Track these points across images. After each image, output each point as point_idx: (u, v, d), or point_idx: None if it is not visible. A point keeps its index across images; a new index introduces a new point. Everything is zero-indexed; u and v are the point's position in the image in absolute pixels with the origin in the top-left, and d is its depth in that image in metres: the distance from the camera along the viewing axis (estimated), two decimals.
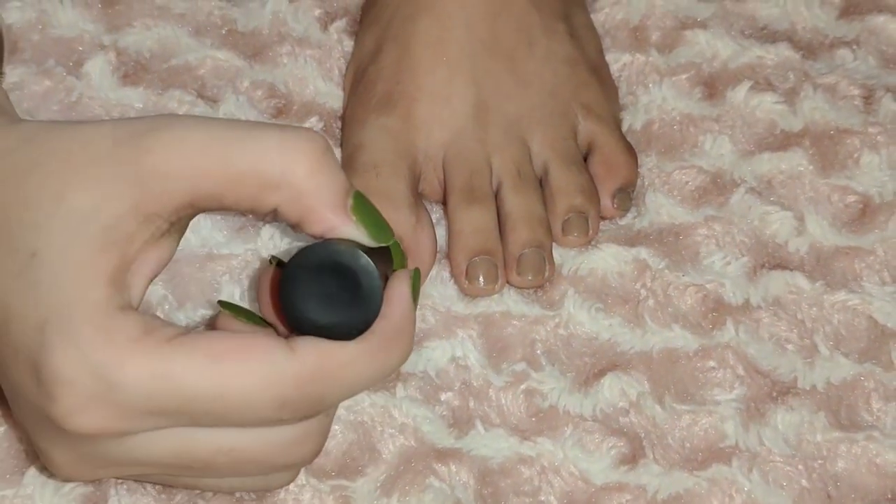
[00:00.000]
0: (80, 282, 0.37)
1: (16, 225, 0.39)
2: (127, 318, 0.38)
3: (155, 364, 0.37)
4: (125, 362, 0.37)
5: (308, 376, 0.38)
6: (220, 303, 0.42)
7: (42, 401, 0.38)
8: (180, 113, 0.56)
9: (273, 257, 0.43)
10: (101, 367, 0.37)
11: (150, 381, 0.37)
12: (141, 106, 0.56)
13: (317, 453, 0.42)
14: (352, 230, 0.40)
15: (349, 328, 0.39)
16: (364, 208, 0.40)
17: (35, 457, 0.45)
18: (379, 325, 0.39)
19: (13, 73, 0.57)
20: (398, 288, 0.40)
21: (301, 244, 0.40)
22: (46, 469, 0.44)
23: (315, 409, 0.39)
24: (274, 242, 0.52)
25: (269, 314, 0.43)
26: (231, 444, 0.40)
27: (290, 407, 0.38)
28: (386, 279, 0.41)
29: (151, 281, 0.40)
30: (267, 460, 0.40)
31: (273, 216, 0.40)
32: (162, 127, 0.39)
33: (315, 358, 0.38)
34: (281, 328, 0.42)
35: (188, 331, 0.39)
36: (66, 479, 0.44)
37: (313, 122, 0.56)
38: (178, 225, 0.40)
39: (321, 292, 0.39)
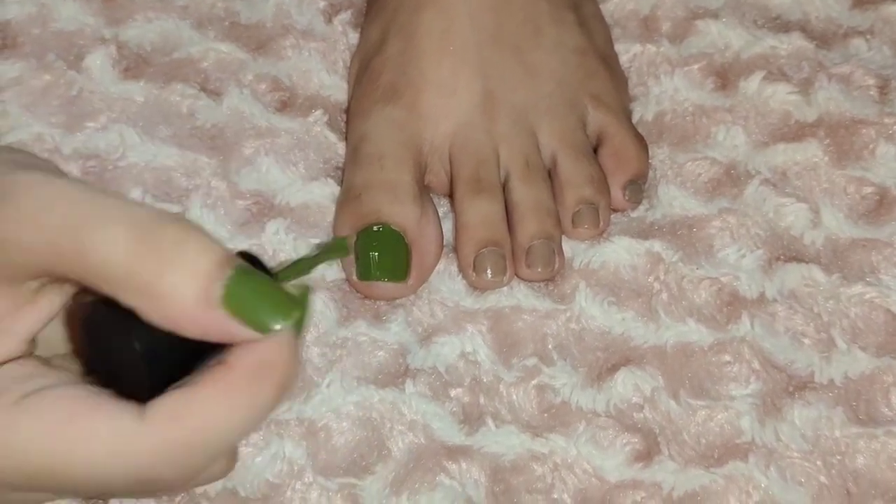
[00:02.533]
0: None
1: None
2: None
3: None
4: None
5: (162, 443, 0.34)
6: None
7: None
8: (183, 107, 0.55)
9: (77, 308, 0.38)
10: None
11: None
12: (142, 100, 0.55)
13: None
14: (230, 331, 0.34)
15: (134, 392, 0.34)
16: (243, 296, 0.34)
17: None
18: (241, 364, 0.34)
19: (13, 68, 0.56)
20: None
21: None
22: None
23: (187, 473, 0.35)
24: (279, 237, 0.51)
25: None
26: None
27: (151, 479, 0.34)
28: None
29: (36, 332, 0.37)
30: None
31: None
32: (19, 195, 0.34)
33: (168, 421, 0.33)
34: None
35: (59, 382, 0.35)
36: None
37: (318, 114, 0.55)
38: (57, 283, 0.36)
39: (100, 351, 0.35)
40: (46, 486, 0.35)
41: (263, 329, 0.34)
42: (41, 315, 0.37)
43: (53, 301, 0.37)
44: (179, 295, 0.33)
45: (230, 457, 0.38)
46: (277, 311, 0.34)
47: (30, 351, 0.37)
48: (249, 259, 0.36)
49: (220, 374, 0.34)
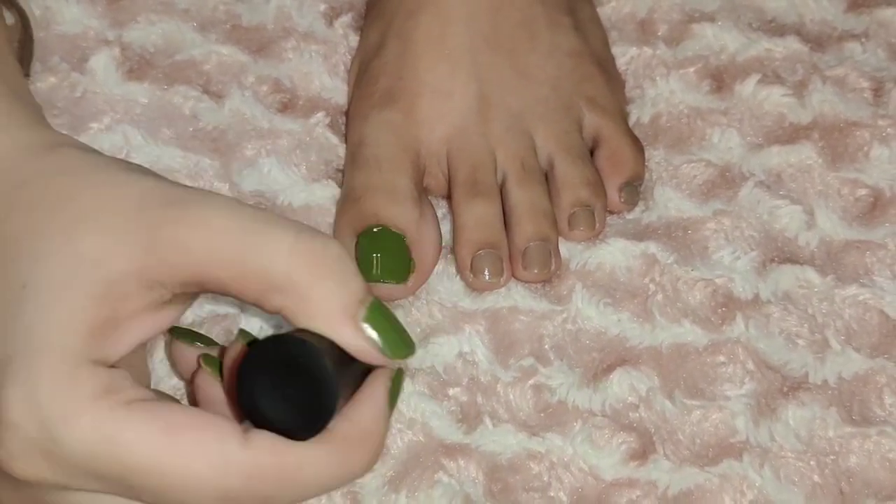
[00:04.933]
0: (61, 324, 0.36)
1: (18, 253, 0.37)
2: (93, 374, 0.36)
3: (104, 426, 0.35)
4: (75, 419, 0.35)
5: (257, 472, 0.36)
6: (172, 330, 0.41)
7: None
8: (186, 109, 0.56)
9: (243, 332, 0.41)
10: (50, 419, 0.35)
11: (95, 443, 0.35)
12: (146, 101, 0.56)
13: None
14: (361, 344, 0.37)
15: (299, 430, 0.36)
16: (379, 321, 0.38)
17: None
18: (342, 428, 0.37)
19: None
20: (373, 389, 0.38)
21: (281, 330, 0.38)
22: None
23: None
24: None
25: (228, 393, 0.41)
26: None
27: (233, 502, 0.36)
28: (366, 375, 0.39)
29: (141, 344, 0.38)
30: None
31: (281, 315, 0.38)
32: (191, 202, 0.37)
33: (268, 455, 0.36)
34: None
35: (155, 397, 0.37)
36: None
37: (319, 117, 0.56)
38: (181, 297, 0.38)
39: (276, 388, 0.36)
40: (133, 488, 0.36)
41: (395, 353, 0.38)
42: (160, 324, 0.38)
43: (171, 315, 0.39)
44: (330, 301, 0.37)
45: None
46: (405, 343, 0.38)
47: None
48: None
49: (326, 437, 0.37)
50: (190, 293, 0.38)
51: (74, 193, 0.38)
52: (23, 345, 0.36)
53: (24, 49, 0.51)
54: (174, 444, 0.35)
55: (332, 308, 0.37)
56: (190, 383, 0.43)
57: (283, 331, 0.37)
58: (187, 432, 0.36)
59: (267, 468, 0.36)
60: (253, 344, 0.38)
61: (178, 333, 0.43)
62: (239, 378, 0.37)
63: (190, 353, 0.43)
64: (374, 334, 0.37)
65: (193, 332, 0.44)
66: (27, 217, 0.38)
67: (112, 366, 0.37)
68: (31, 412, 0.35)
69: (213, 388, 0.41)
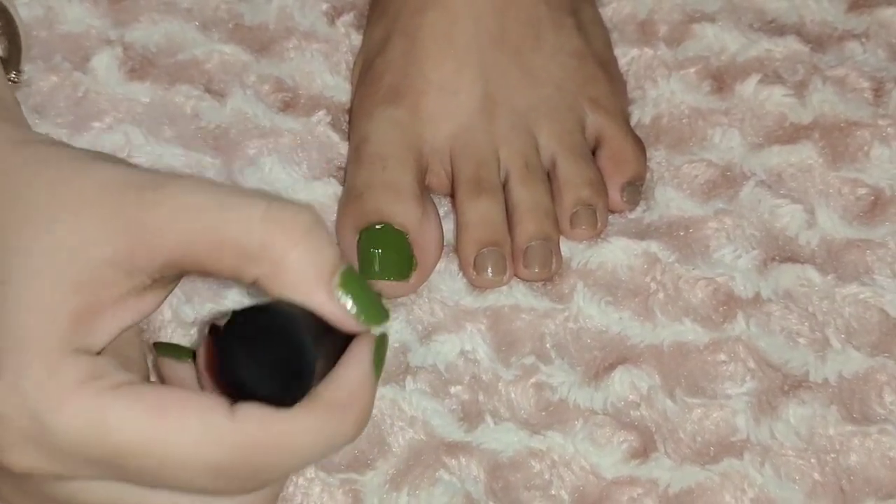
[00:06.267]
0: (43, 315, 0.36)
1: None
2: (77, 361, 0.36)
3: (91, 411, 0.35)
4: (61, 407, 0.35)
5: (246, 443, 0.36)
6: (155, 345, 0.41)
7: None
8: (188, 108, 0.56)
9: (212, 325, 0.39)
10: (38, 409, 0.35)
11: (84, 429, 0.35)
12: (148, 100, 0.56)
13: None
14: (335, 310, 0.37)
15: (281, 397, 0.36)
16: (353, 287, 0.37)
17: None
18: (327, 392, 0.37)
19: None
20: (356, 354, 0.38)
21: (248, 303, 0.37)
22: None
23: (254, 482, 0.37)
24: None
25: (208, 382, 0.41)
26: None
27: (226, 475, 0.36)
28: (348, 343, 0.38)
29: (125, 329, 0.38)
30: None
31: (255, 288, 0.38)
32: (164, 184, 0.37)
33: (255, 424, 0.36)
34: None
35: (140, 381, 0.37)
36: None
37: (321, 115, 0.56)
38: (162, 282, 0.38)
39: (253, 357, 0.36)
40: (127, 471, 0.36)
41: (369, 319, 0.38)
42: (142, 310, 0.38)
43: (153, 301, 0.39)
44: (304, 269, 0.37)
45: (275, 495, 0.40)
46: (379, 309, 0.38)
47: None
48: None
49: (310, 403, 0.36)
50: (170, 278, 0.38)
51: (48, 185, 0.38)
52: (7, 338, 0.36)
53: (12, 44, 0.51)
54: (161, 422, 0.35)
55: (305, 275, 0.37)
56: None
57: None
58: (173, 410, 0.36)
59: (255, 438, 0.36)
60: (228, 318, 0.38)
61: (161, 350, 0.43)
62: (217, 352, 0.37)
63: (177, 367, 0.42)
64: (348, 300, 0.37)
65: (176, 345, 0.43)
66: (6, 211, 0.38)
67: (99, 353, 0.37)
68: (19, 403, 0.35)
69: (183, 377, 0.41)
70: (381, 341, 0.39)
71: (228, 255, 0.37)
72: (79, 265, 0.37)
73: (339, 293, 0.37)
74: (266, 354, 0.36)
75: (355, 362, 0.38)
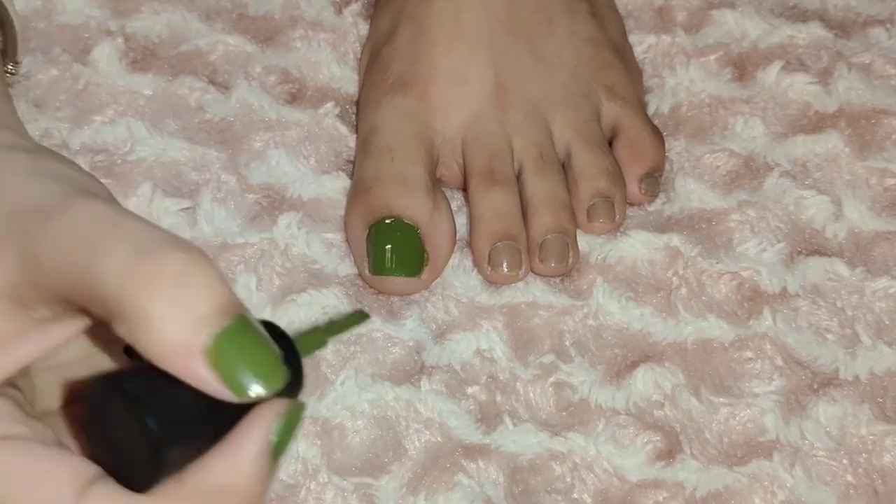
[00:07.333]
0: None
1: None
2: None
3: None
4: None
5: None
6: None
7: None
8: (192, 100, 0.54)
9: (85, 386, 0.35)
10: None
11: None
12: (150, 93, 0.54)
13: None
14: (206, 379, 0.31)
15: (131, 480, 0.32)
16: (233, 349, 0.31)
17: None
18: (193, 479, 0.32)
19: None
20: (242, 434, 0.32)
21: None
22: None
23: None
24: (291, 231, 0.50)
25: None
26: None
27: None
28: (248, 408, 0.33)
29: (35, 359, 0.35)
30: None
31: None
32: (52, 215, 0.33)
33: None
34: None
35: (29, 434, 0.34)
36: None
37: (328, 107, 0.54)
38: (71, 314, 0.35)
39: (108, 437, 0.32)
40: None
41: (239, 391, 0.31)
42: (47, 342, 0.35)
43: (62, 333, 0.35)
44: (166, 330, 0.31)
45: None
46: (258, 375, 0.32)
47: (21, 388, 0.36)
48: (268, 327, 0.34)
49: (172, 489, 0.32)
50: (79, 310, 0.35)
51: None
52: None
53: (6, 34, 0.49)
54: (10, 492, 0.32)
55: (168, 335, 0.31)
56: None
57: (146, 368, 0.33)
58: (23, 482, 0.32)
59: None
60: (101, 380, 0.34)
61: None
62: (81, 420, 0.34)
63: None
64: (222, 368, 0.31)
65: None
66: None
67: (14, 385, 0.35)
68: None
69: None
70: (293, 411, 0.32)
71: (98, 307, 0.32)
72: None
73: (212, 359, 0.31)
74: (117, 433, 0.32)
75: (237, 445, 0.32)
